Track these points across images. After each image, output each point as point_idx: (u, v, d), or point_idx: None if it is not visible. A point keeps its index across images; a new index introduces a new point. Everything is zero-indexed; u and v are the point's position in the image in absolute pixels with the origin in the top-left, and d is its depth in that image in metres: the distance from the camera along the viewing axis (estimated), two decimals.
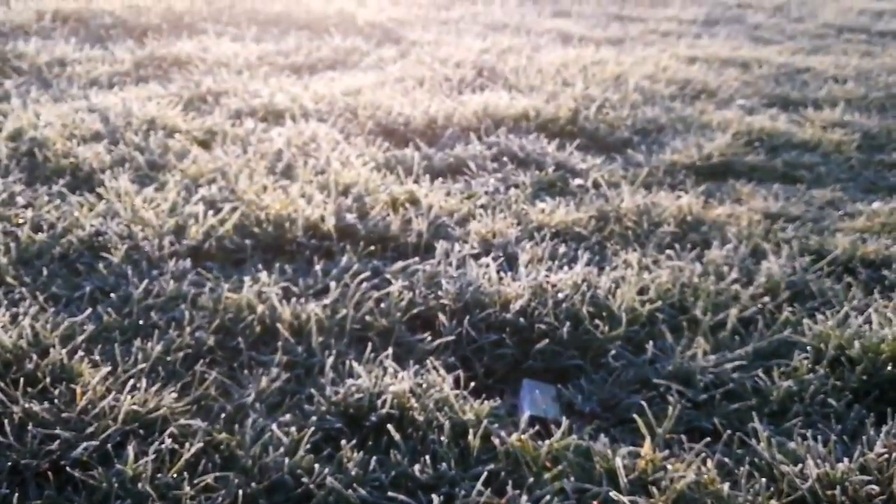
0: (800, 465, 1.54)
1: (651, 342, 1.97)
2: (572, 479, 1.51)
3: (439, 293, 2.07)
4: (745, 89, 4.76)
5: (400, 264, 2.23)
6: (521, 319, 1.98)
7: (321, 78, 4.43)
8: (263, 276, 2.09)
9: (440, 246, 2.31)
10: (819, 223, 2.84)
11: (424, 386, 1.70)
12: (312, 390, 1.70)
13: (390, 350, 1.85)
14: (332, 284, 2.07)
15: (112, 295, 2.03)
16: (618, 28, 6.72)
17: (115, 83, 4.11)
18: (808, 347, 1.96)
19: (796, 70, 5.43)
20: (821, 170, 3.48)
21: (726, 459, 1.59)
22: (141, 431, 1.56)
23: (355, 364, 1.76)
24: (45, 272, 2.12)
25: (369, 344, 1.87)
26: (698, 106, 4.30)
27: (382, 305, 2.02)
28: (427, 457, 1.53)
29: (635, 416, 1.67)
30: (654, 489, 1.50)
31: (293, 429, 1.57)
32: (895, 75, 5.39)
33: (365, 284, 2.07)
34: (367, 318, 1.97)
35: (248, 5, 6.33)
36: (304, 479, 1.47)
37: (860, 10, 8.78)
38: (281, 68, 4.62)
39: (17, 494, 1.40)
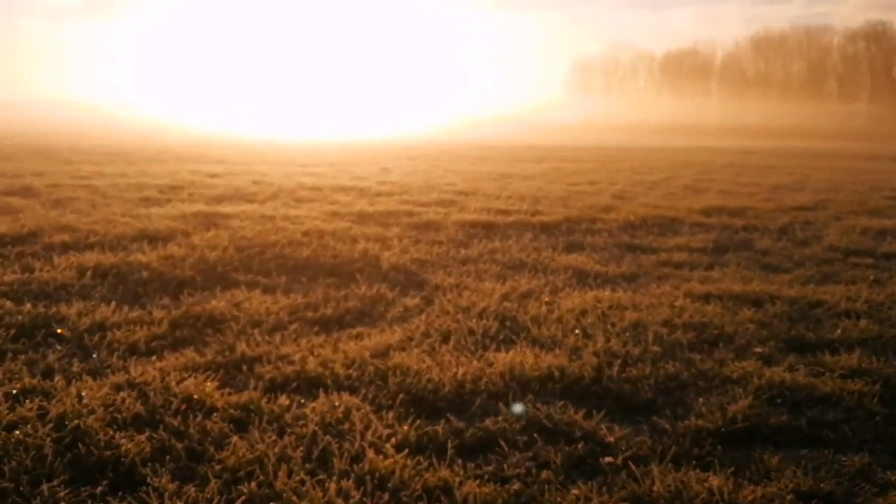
0: None
1: None
2: None
3: None
4: (760, 332, 4.88)
5: None
6: None
7: (349, 334, 4.59)
8: None
9: None
10: (852, 501, 2.84)
11: None
12: None
13: None
14: None
15: None
16: (631, 261, 7.00)
17: (154, 348, 4.28)
18: None
19: (808, 305, 5.58)
20: (845, 429, 3.51)
21: None
22: None
23: None
24: None
25: None
26: (717, 355, 4.40)
27: None
28: None
29: None
30: None
31: None
32: None
33: None
34: None
35: (277, 251, 6.67)
36: None
37: (863, 230, 9.12)
38: (311, 323, 4.80)
39: None
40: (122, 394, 3.51)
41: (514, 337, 4.59)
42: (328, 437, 3.15)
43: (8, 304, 4.85)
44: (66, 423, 3.17)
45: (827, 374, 4.14)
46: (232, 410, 3.41)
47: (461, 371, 3.90)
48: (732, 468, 3.05)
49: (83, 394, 3.47)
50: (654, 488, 2.81)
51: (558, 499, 2.74)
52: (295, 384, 3.77)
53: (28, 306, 4.81)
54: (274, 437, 3.14)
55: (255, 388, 3.67)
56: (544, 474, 2.93)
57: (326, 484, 2.72)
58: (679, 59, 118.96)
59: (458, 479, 2.82)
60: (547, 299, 5.45)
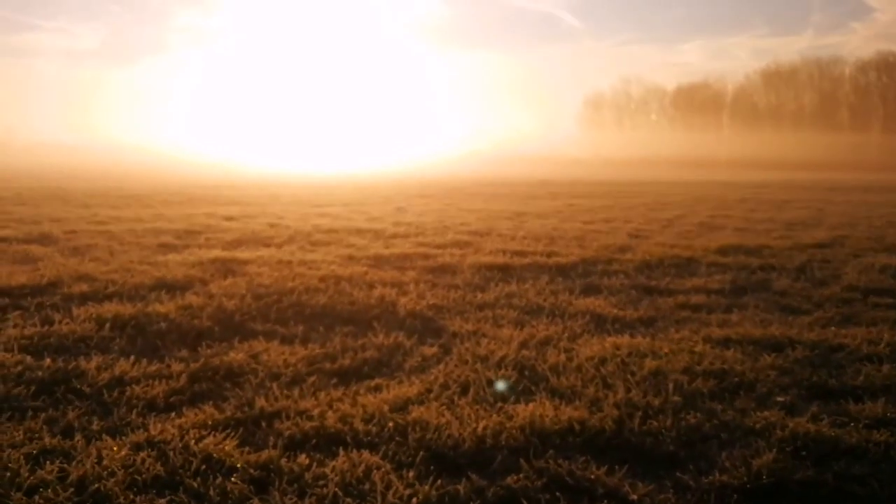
0: None
1: None
2: None
3: None
4: (782, 379, 4.82)
5: None
6: None
7: (368, 387, 4.57)
8: None
9: None
10: None
11: None
12: None
13: None
14: None
15: None
16: (649, 304, 6.96)
17: (173, 403, 4.27)
18: None
19: (830, 349, 5.52)
20: (873, 484, 3.45)
21: None
22: None
23: None
24: None
25: None
26: (738, 404, 4.35)
27: None
28: None
29: None
30: None
31: None
32: None
33: None
34: None
35: (295, 298, 6.68)
36: None
37: (881, 268, 9.04)
38: (329, 375, 4.79)
39: None
40: (141, 454, 3.50)
41: (533, 387, 4.56)
42: (349, 498, 3.13)
43: (28, 359, 4.87)
44: (87, 486, 3.17)
45: (851, 423, 4.08)
46: (252, 470, 3.39)
47: (481, 425, 3.88)
48: None
49: (103, 454, 3.47)
50: None
51: None
52: (314, 441, 3.75)
53: (48, 361, 4.83)
54: (294, 499, 3.12)
55: (275, 446, 3.66)
56: None
57: None
58: (690, 92, 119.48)
59: None
60: (565, 347, 5.42)
